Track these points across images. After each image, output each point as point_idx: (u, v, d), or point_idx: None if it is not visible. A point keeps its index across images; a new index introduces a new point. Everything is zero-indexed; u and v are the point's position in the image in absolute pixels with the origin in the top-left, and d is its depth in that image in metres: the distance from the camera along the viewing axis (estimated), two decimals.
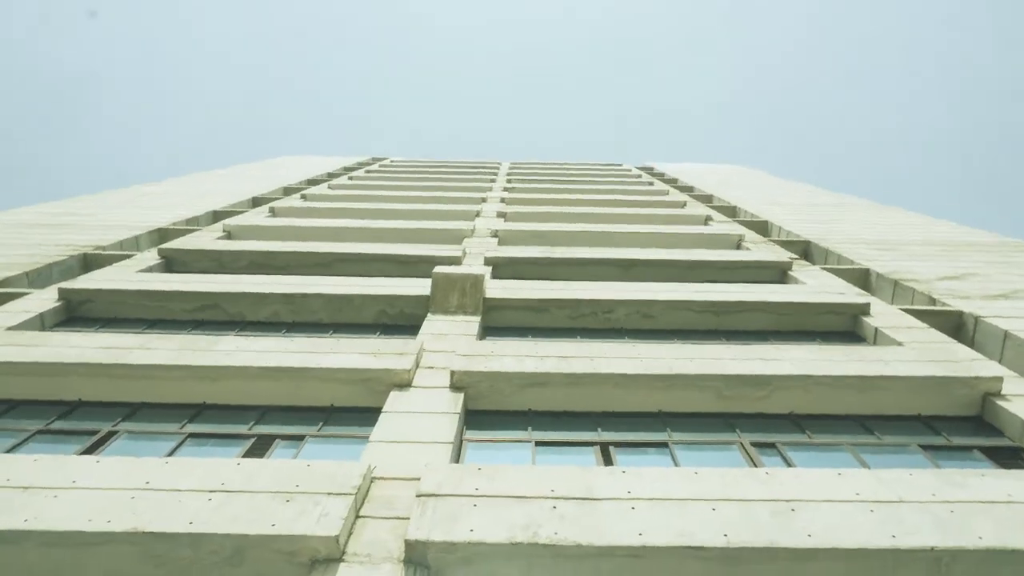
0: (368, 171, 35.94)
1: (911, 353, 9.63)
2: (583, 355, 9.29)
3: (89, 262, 15.34)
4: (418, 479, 6.22)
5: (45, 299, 12.07)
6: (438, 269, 12.02)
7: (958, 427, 8.54)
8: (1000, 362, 10.55)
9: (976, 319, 11.58)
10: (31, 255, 15.03)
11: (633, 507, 5.74)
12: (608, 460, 7.64)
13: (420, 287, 12.39)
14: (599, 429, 8.35)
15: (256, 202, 25.13)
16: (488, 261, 15.30)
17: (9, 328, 10.49)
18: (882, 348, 10.05)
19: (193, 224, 20.33)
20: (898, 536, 5.42)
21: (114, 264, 14.93)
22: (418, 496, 5.86)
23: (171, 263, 15.42)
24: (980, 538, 5.41)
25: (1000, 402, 8.53)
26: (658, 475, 6.25)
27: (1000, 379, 8.74)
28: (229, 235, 18.38)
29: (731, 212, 25.00)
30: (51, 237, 17.13)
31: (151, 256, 15.60)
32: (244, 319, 12.16)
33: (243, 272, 15.09)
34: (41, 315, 11.41)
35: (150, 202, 23.78)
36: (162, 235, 18.49)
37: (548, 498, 5.84)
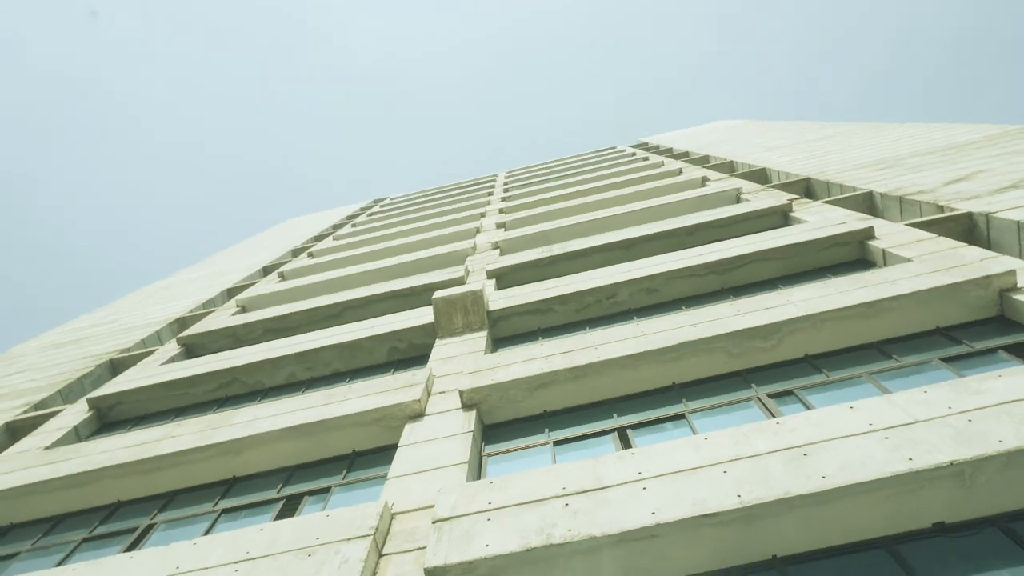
0: (370, 215, 36.41)
1: (918, 267, 9.36)
2: (587, 345, 9.25)
3: (116, 366, 15.84)
4: (434, 506, 6.26)
5: (77, 412, 12.49)
6: (437, 294, 12.10)
7: (979, 332, 8.26)
8: (1021, 256, 10.20)
9: (987, 217, 11.21)
10: (61, 372, 15.59)
11: (644, 487, 5.68)
12: (627, 444, 7.57)
13: (424, 316, 12.50)
14: (615, 415, 8.29)
15: (267, 271, 25.66)
16: (491, 274, 15.36)
17: (46, 448, 10.88)
18: (889, 268, 9.78)
19: (209, 306, 20.84)
20: (915, 458, 5.25)
21: (139, 363, 15.38)
22: (434, 522, 5.89)
23: (191, 349, 15.82)
24: (1000, 442, 5.22)
25: (1017, 296, 8.22)
26: (668, 449, 6.18)
27: (1013, 272, 8.42)
28: (243, 309, 18.79)
29: (728, 167, 24.67)
30: (79, 351, 17.75)
31: (172, 347, 16.04)
32: (264, 387, 12.41)
33: (259, 341, 15.41)
34: (75, 428, 11.81)
35: (167, 295, 24.47)
36: (181, 324, 18.99)
37: (560, 496, 5.82)
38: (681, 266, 12.08)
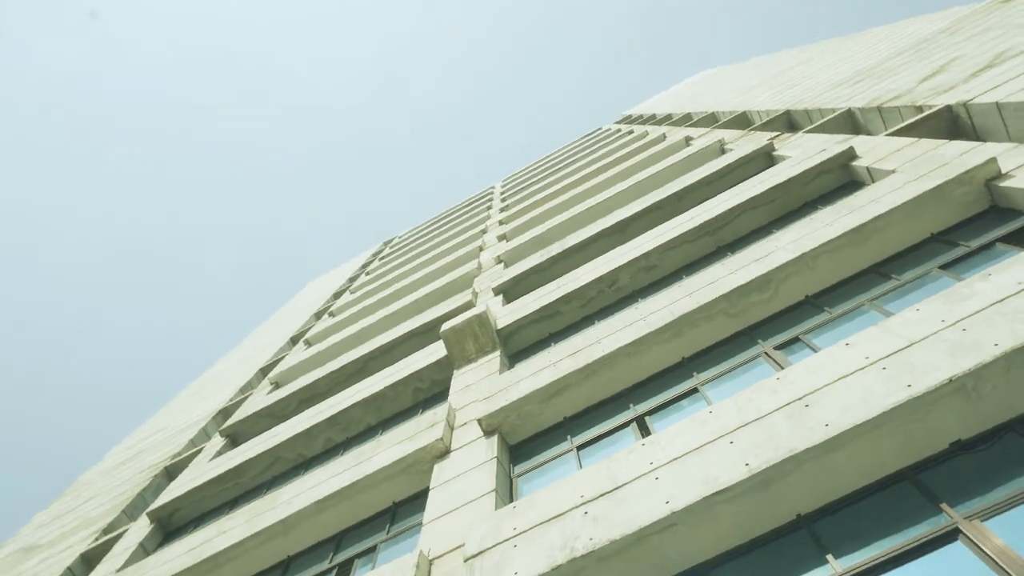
0: (381, 259, 36.86)
1: (900, 178, 9.12)
2: (592, 342, 9.23)
3: (171, 472, 16.31)
4: (464, 544, 6.32)
5: (141, 528, 12.91)
6: (445, 326, 12.21)
7: (974, 228, 8.00)
8: (1009, 138, 9.86)
9: (966, 106, 10.86)
10: (123, 492, 16.12)
11: (657, 477, 5.66)
12: (646, 431, 7.53)
13: (437, 351, 12.61)
14: (631, 404, 8.25)
15: (294, 340, 26.16)
16: (497, 290, 15.42)
17: (117, 571, 11.26)
18: (874, 186, 9.54)
19: (247, 390, 21.33)
20: (914, 383, 5.12)
21: (190, 464, 15.82)
22: (466, 560, 5.95)
23: (235, 438, 16.22)
24: (996, 345, 5.06)
25: (1004, 182, 7.95)
26: (676, 432, 6.14)
27: (994, 160, 8.15)
28: (276, 385, 19.19)
29: (711, 120, 24.36)
30: (136, 466, 18.33)
31: (217, 441, 16.46)
32: (305, 458, 12.65)
33: (296, 413, 15.72)
34: (142, 544, 12.20)
35: (209, 388, 25.12)
36: (224, 414, 19.48)
37: (579, 506, 5.83)
38: (672, 236, 11.97)
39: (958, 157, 8.73)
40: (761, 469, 5.13)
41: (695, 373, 8.16)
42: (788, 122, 17.96)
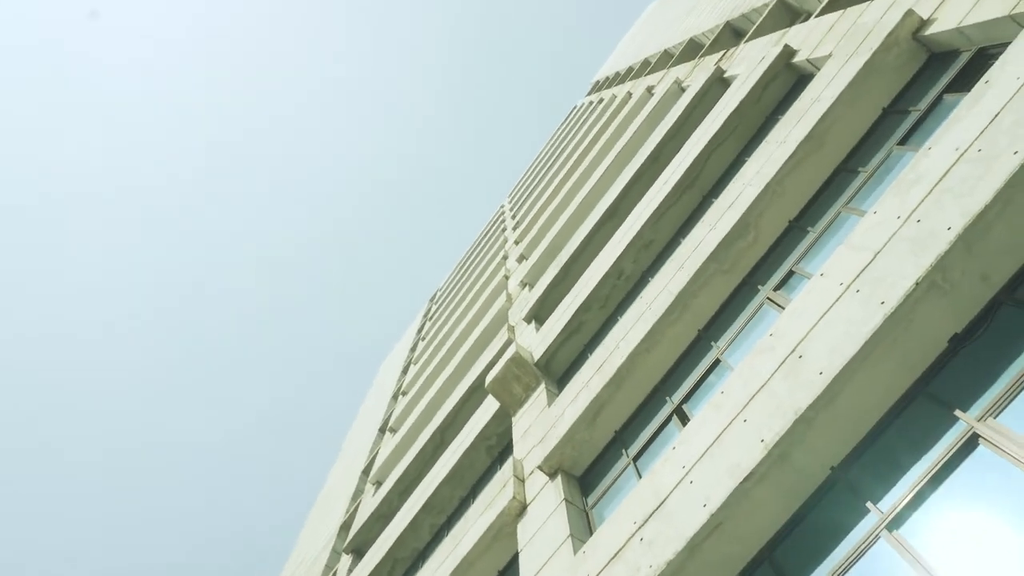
0: (431, 319, 37.55)
1: (834, 65, 8.79)
2: (611, 350, 9.23)
3: None
4: None
5: None
6: (488, 377, 12.41)
7: (921, 88, 7.65)
8: None
9: None
10: None
11: (691, 481, 5.65)
12: (685, 419, 7.50)
13: (493, 403, 12.81)
14: (667, 397, 8.21)
15: (382, 430, 26.93)
16: (528, 317, 15.54)
17: None
18: (813, 83, 9.21)
19: (357, 496, 22.09)
20: (886, 299, 4.97)
21: None
22: None
23: (360, 550, 16.83)
24: (949, 229, 4.86)
25: (929, 30, 7.58)
26: (698, 424, 6.11)
27: (911, 12, 7.76)
28: (378, 483, 19.82)
29: (667, 59, 23.92)
30: None
31: (346, 559, 17.12)
32: (419, 550, 13.04)
33: (400, 507, 16.20)
34: None
35: (328, 505, 26.12)
36: (345, 528, 20.23)
37: (634, 534, 5.87)
38: (657, 204, 11.84)
39: (879, 20, 8.35)
40: (775, 442, 5.07)
41: (713, 343, 8.07)
42: (732, 33, 17.50)
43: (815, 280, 5.91)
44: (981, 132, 5.18)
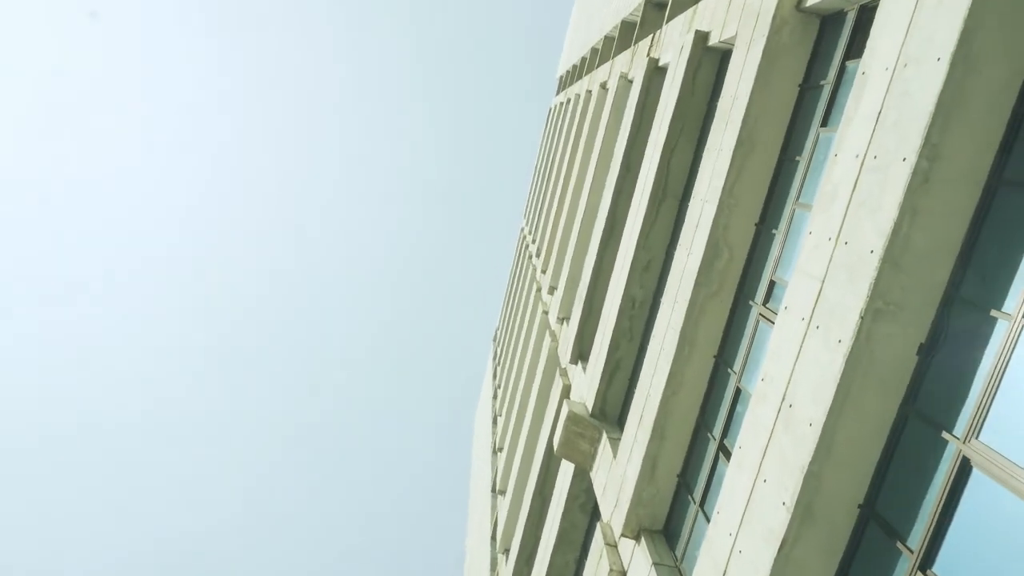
0: (499, 364, 38.01)
1: (740, 53, 8.73)
2: (644, 397, 9.34)
3: None
4: None
5: None
6: (554, 443, 12.64)
7: (824, 58, 7.55)
8: None
9: None
10: None
11: (740, 551, 5.75)
12: (728, 454, 7.55)
13: (569, 464, 13.03)
14: (709, 435, 8.27)
15: (493, 490, 27.43)
16: (573, 358, 15.72)
17: None
18: (728, 78, 9.13)
19: (494, 567, 22.58)
20: (842, 337, 5.00)
21: None
22: None
23: None
24: (872, 252, 4.86)
25: (810, 1, 7.47)
26: (730, 489, 6.20)
27: None
28: (506, 552, 20.25)
29: (610, 45, 23.78)
30: None
31: None
32: None
33: None
34: None
35: None
36: None
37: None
38: (640, 223, 11.88)
39: (762, 1, 8.27)
40: (795, 502, 5.14)
41: (730, 370, 8.10)
42: (655, 7, 17.33)
43: (782, 315, 5.94)
44: (871, 136, 5.16)
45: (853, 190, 5.24)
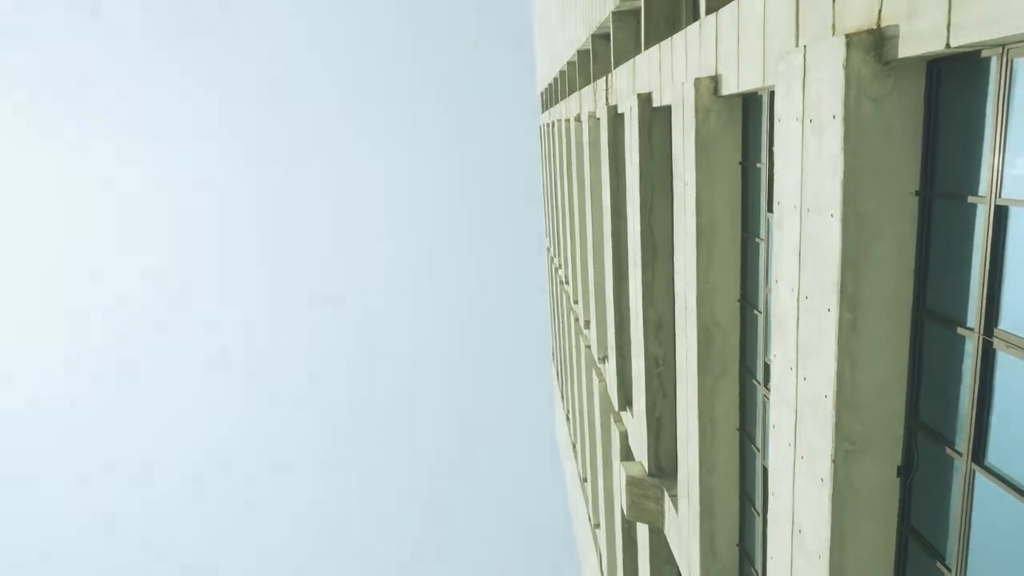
0: (563, 397, 38.27)
1: (678, 138, 8.92)
2: (686, 472, 9.58)
3: None
4: None
5: None
6: (624, 508, 12.94)
7: (755, 135, 7.69)
8: None
9: None
10: None
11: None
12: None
13: (644, 529, 13.31)
14: (752, 507, 8.47)
15: (592, 524, 27.77)
16: (621, 405, 15.96)
17: None
18: (675, 158, 9.32)
19: None
20: (824, 476, 5.21)
21: None
22: None
23: None
24: (826, 396, 5.07)
25: (724, 90, 7.64)
26: (773, 538, 6.43)
27: (699, 81, 7.87)
28: None
29: (573, 74, 23.92)
30: None
31: None
32: None
33: None
34: None
35: None
36: None
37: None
38: (640, 287, 12.08)
39: (683, 88, 8.45)
40: None
41: (754, 448, 8.29)
42: (602, 41, 17.47)
43: (773, 435, 6.17)
44: (799, 274, 5.36)
45: (797, 327, 5.45)
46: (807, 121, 5.05)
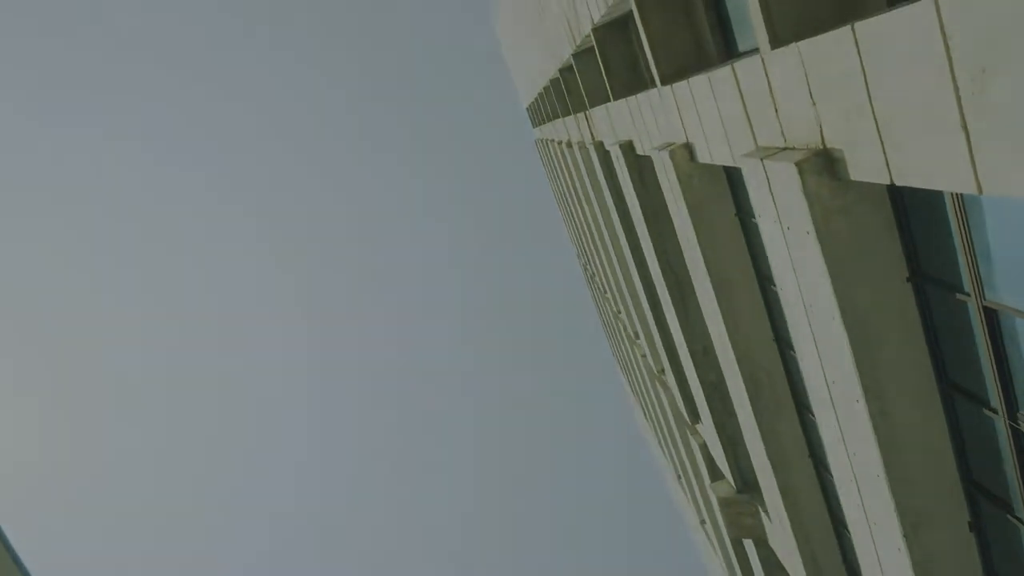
0: (647, 417, 38.28)
1: (672, 202, 9.12)
2: (765, 486, 9.72)
3: None
4: None
5: None
6: (725, 531, 13.09)
7: (742, 191, 7.85)
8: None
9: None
10: None
11: None
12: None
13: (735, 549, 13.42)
14: (838, 524, 8.58)
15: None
16: (692, 420, 16.08)
17: None
18: (675, 221, 9.49)
19: None
20: None
21: None
22: None
23: None
24: (878, 474, 5.24)
25: (700, 158, 7.82)
26: None
27: (675, 150, 8.07)
28: None
29: (558, 97, 24.09)
30: None
31: None
32: None
33: None
34: None
35: None
36: None
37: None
38: (675, 316, 12.22)
39: (659, 156, 8.64)
40: None
41: (828, 474, 8.41)
42: (567, 70, 17.64)
43: (842, 492, 6.32)
44: (821, 364, 5.54)
45: (833, 408, 5.63)
46: (785, 228, 5.24)
